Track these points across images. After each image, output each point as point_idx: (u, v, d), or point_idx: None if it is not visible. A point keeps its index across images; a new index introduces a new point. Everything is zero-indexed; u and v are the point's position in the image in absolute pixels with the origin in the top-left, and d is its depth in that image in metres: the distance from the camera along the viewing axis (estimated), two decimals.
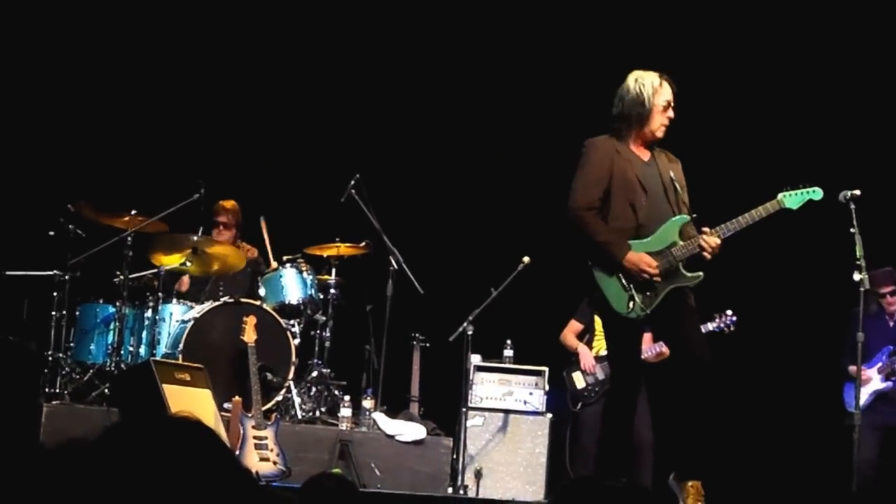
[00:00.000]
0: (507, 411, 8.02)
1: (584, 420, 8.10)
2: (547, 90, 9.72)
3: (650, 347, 8.14)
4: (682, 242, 5.50)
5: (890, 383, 7.75)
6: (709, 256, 5.48)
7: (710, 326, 7.73)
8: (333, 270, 8.40)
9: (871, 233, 6.01)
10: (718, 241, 5.47)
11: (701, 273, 5.55)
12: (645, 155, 5.65)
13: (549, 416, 8.06)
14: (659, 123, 5.60)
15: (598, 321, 8.30)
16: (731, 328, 7.68)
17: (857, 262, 5.95)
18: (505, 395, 8.11)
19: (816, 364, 8.35)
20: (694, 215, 5.62)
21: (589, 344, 8.31)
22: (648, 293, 5.42)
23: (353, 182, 8.33)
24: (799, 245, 8.88)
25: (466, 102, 9.72)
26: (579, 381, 8.16)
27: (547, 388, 8.13)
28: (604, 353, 8.23)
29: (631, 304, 5.41)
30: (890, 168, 8.76)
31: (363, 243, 8.38)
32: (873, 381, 7.74)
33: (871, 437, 7.57)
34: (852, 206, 5.93)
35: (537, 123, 9.74)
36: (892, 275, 7.80)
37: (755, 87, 9.40)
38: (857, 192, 5.94)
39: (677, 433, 5.53)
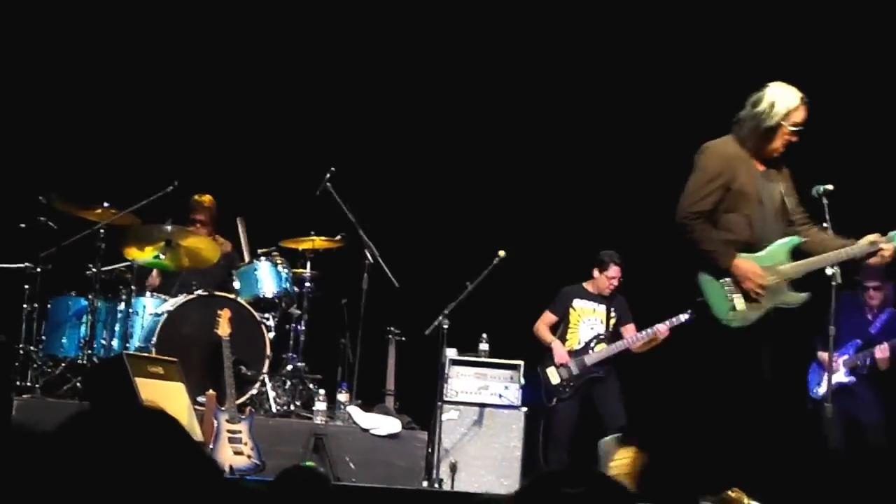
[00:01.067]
0: (482, 405, 8.01)
1: (559, 414, 8.14)
2: (519, 83, 9.71)
3: (633, 336, 8.17)
4: (791, 263, 5.40)
5: (853, 378, 7.76)
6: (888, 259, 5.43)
7: (682, 318, 7.76)
8: (308, 264, 8.36)
9: (844, 227, 6.00)
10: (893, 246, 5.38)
11: (806, 295, 5.47)
12: (762, 167, 5.51)
13: (525, 409, 8.06)
14: (782, 143, 5.46)
15: (572, 313, 8.32)
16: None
17: None
18: (480, 389, 8.10)
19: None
20: (804, 221, 5.56)
21: (563, 337, 8.34)
22: (752, 304, 5.30)
23: (328, 175, 8.30)
24: None
25: (440, 95, 9.70)
26: (553, 376, 8.19)
27: (523, 381, 8.12)
28: (578, 347, 8.27)
29: (732, 313, 5.29)
30: (863, 162, 8.79)
31: (338, 237, 8.35)
32: (838, 373, 7.76)
33: (838, 425, 7.62)
34: (825, 202, 5.92)
35: (512, 116, 9.74)
36: (881, 271, 7.78)
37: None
38: (830, 186, 5.94)
39: (737, 448, 5.39)
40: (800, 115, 5.40)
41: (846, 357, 7.79)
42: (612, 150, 9.57)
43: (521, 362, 8.19)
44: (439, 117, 9.73)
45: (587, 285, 8.47)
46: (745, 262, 5.28)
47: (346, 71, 9.76)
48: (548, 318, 8.42)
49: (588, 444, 7.85)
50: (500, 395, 8.07)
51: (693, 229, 5.30)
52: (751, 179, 5.38)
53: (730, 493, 5.28)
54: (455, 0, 9.78)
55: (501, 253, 7.95)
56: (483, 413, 7.99)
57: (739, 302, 5.27)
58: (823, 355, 7.56)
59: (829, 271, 5.84)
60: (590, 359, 8.26)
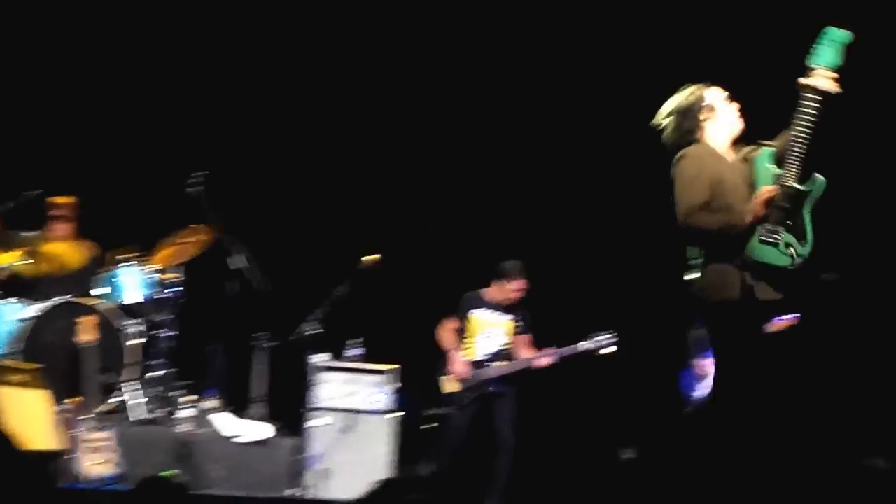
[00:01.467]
0: (352, 411, 7.97)
1: (451, 422, 8.05)
2: (393, 81, 9.72)
3: (536, 354, 8.09)
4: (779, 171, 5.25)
5: None
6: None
7: (588, 345, 7.86)
8: (176, 269, 8.25)
9: None
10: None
11: (819, 176, 5.23)
12: (729, 155, 5.52)
13: (396, 415, 8.03)
14: (732, 117, 5.50)
15: (470, 322, 8.22)
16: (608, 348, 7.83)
17: (690, 262, 6.02)
18: (350, 395, 8.06)
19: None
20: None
21: (462, 345, 8.25)
22: (791, 225, 5.16)
23: (196, 179, 8.19)
24: (636, 247, 9.09)
25: (310, 98, 9.66)
26: (447, 385, 8.15)
27: (396, 386, 8.09)
28: (478, 358, 8.19)
29: (791, 249, 5.15)
30: None
31: (208, 241, 8.25)
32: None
33: None
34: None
35: (384, 113, 9.72)
36: None
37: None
38: None
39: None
40: (716, 91, 5.49)
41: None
42: (480, 150, 9.62)
43: (393, 367, 8.16)
44: (309, 120, 9.69)
45: (487, 294, 8.31)
46: (754, 200, 5.17)
47: (213, 75, 9.66)
48: (450, 322, 8.30)
49: (479, 455, 7.95)
50: (371, 401, 8.04)
51: (699, 220, 5.24)
52: (729, 170, 5.41)
53: None
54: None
55: (373, 257, 7.91)
56: (353, 419, 7.94)
57: (785, 235, 5.16)
58: (701, 362, 7.69)
59: (688, 277, 5.93)
60: (489, 372, 8.13)
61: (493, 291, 8.29)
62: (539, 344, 8.21)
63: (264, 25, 9.66)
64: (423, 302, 8.72)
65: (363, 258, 8.07)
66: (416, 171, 9.73)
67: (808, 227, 5.23)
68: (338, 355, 8.21)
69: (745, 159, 5.51)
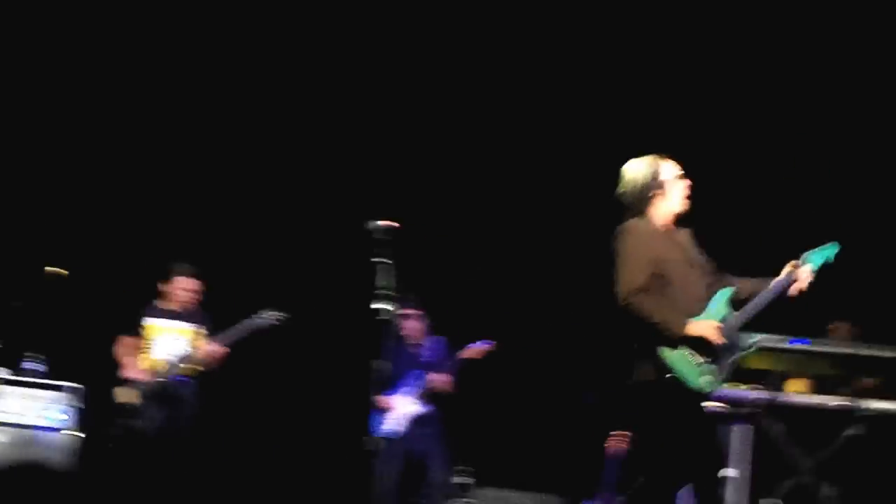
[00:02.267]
0: (25, 426, 7.68)
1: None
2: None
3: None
4: (735, 314, 5.41)
5: (430, 406, 8.06)
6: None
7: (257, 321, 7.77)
8: None
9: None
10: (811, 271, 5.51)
11: (760, 336, 5.57)
12: (673, 232, 5.54)
13: (75, 433, 7.79)
14: (680, 195, 5.52)
15: (146, 331, 7.98)
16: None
17: (380, 292, 6.08)
18: (25, 411, 7.77)
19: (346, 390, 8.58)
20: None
21: (138, 355, 8.01)
22: (716, 365, 5.30)
23: None
24: (328, 273, 9.21)
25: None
26: (125, 395, 7.91)
27: (79, 405, 7.84)
28: (156, 365, 7.97)
29: (704, 377, 5.26)
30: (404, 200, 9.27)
31: None
32: (410, 407, 8.05)
33: (398, 465, 7.90)
34: (381, 237, 6.07)
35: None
36: (407, 300, 8.03)
37: None
38: (390, 223, 6.11)
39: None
40: (671, 167, 5.53)
41: (412, 388, 8.08)
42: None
43: (75, 385, 7.91)
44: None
45: (159, 301, 8.09)
46: (698, 323, 5.30)
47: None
48: (125, 339, 8.00)
49: None
50: (48, 418, 7.78)
51: (639, 306, 5.27)
52: (670, 247, 5.46)
53: None
54: None
55: (52, 270, 7.65)
56: (29, 435, 7.67)
57: (706, 366, 5.29)
58: (383, 399, 7.80)
59: (376, 305, 6.03)
60: (168, 376, 7.91)
61: (166, 296, 8.08)
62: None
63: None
64: (110, 316, 8.51)
65: (47, 269, 7.79)
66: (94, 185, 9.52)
67: (725, 374, 5.38)
68: (16, 369, 7.90)
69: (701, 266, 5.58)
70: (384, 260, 6.07)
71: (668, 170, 5.52)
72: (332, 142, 9.67)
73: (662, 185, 5.48)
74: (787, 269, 5.53)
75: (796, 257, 5.56)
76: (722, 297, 5.46)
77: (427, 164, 9.55)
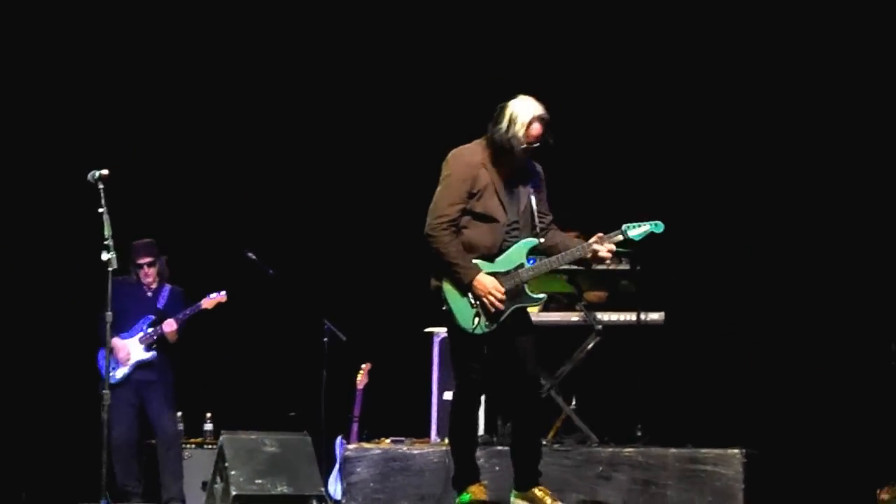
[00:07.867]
0: None
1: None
2: None
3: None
4: (528, 265, 5.57)
5: (153, 353, 7.95)
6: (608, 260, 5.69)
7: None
8: None
9: (119, 212, 6.13)
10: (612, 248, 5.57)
11: (545, 295, 5.73)
12: (509, 172, 5.53)
13: None
14: (522, 154, 5.48)
15: None
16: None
17: (105, 242, 6.17)
18: None
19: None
20: (545, 226, 5.64)
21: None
22: (494, 311, 5.51)
23: None
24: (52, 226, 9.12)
25: None
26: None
27: None
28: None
29: (476, 321, 5.49)
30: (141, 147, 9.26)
31: None
32: (135, 352, 7.96)
33: (128, 414, 7.87)
34: (101, 187, 6.06)
35: None
36: (150, 247, 8.11)
37: None
38: (106, 171, 6.06)
39: (516, 447, 5.66)
40: (535, 131, 5.46)
41: (141, 334, 8.03)
42: None
43: None
44: None
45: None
46: (484, 279, 5.44)
47: None
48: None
49: None
50: None
51: (439, 240, 5.43)
52: (495, 186, 5.48)
53: (536, 491, 5.57)
54: None
55: None
56: None
57: (480, 316, 5.50)
58: (116, 341, 7.64)
59: (104, 256, 5.97)
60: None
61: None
62: None
63: None
64: None
65: None
66: None
67: (501, 320, 5.50)
68: None
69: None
70: (104, 209, 6.13)
71: (531, 130, 5.47)
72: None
73: (513, 136, 5.44)
74: (593, 239, 5.58)
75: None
76: (522, 246, 5.58)
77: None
